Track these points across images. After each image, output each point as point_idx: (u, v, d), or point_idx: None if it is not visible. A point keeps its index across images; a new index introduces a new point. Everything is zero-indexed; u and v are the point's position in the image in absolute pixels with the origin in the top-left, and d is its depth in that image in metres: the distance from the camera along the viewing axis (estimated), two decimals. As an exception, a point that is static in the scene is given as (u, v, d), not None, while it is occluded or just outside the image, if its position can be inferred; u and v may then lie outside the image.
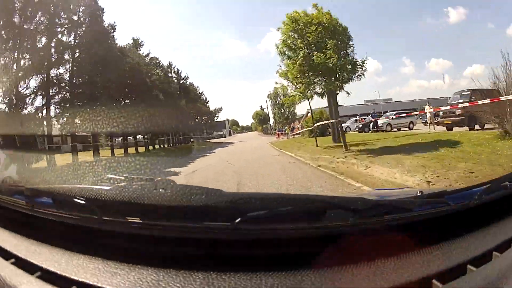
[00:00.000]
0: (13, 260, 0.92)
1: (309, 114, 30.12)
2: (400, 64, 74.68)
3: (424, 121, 21.44)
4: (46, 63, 15.09)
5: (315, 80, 10.14)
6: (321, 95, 10.72)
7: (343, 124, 22.50)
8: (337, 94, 10.36)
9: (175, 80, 31.70)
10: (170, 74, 31.43)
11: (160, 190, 0.97)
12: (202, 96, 38.32)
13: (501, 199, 0.97)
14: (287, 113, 40.62)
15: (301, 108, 47.57)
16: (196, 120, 38.89)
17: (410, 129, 20.07)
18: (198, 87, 37.22)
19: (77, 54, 16.37)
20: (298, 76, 10.19)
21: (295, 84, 10.87)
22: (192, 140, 36.92)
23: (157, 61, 27.25)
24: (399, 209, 0.91)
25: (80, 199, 0.98)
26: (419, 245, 0.81)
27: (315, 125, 15.88)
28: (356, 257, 0.77)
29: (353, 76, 10.03)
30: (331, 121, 13.86)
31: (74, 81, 16.41)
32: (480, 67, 39.83)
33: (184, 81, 33.32)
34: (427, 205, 0.93)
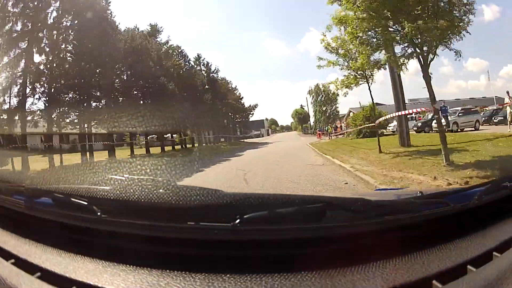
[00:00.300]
0: (13, 260, 0.91)
1: (351, 114, 25.38)
2: (438, 63, 67.23)
3: (483, 119, 18.82)
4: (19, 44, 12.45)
5: (394, 30, 5.63)
6: (407, 57, 6.09)
7: (391, 124, 17.62)
8: (433, 57, 5.78)
9: (204, 74, 28.64)
10: (199, 67, 28.52)
11: (160, 190, 0.98)
12: (235, 92, 34.95)
13: (501, 200, 0.97)
14: (328, 111, 36.81)
15: (343, 107, 42.60)
16: (230, 118, 35.76)
17: (476, 129, 15.87)
18: (230, 81, 33.93)
19: (56, 31, 13.56)
20: (365, 28, 5.85)
21: (357, 45, 6.54)
22: (222, 139, 33.67)
23: (179, 51, 24.27)
24: (399, 210, 0.93)
25: (80, 199, 0.99)
26: (419, 246, 0.80)
27: (379, 119, 11.08)
28: (356, 257, 0.76)
29: (461, 24, 5.51)
30: (416, 111, 9.22)
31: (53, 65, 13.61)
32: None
33: (214, 75, 30.09)
34: (427, 205, 0.94)
